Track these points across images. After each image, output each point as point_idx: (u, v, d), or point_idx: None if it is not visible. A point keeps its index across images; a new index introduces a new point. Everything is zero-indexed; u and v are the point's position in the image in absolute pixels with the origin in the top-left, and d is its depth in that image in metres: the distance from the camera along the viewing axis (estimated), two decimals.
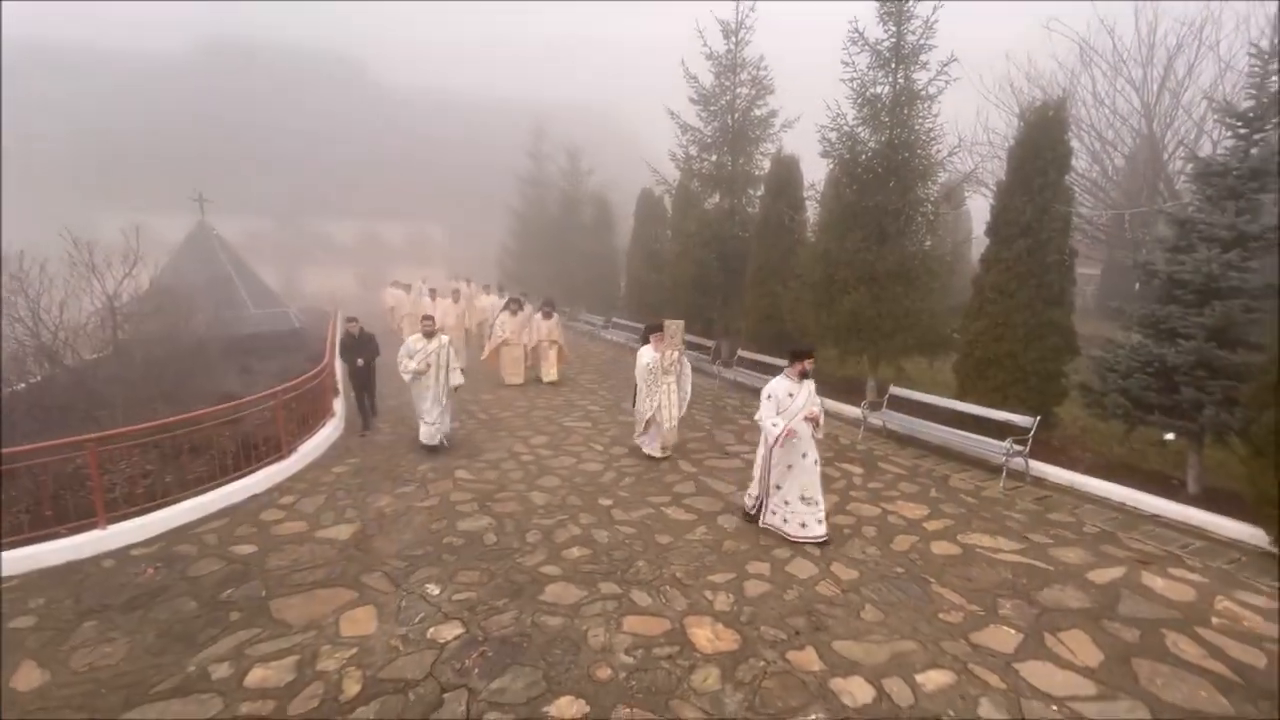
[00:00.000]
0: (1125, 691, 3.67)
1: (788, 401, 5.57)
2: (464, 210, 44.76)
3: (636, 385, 7.73)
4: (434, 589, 4.77)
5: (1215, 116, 7.76)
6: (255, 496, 6.54)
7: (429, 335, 8.00)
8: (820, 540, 5.46)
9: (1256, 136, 6.06)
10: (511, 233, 29.38)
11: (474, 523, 5.97)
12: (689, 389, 7.82)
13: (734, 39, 12.90)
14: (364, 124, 46.67)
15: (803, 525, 5.53)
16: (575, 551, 5.39)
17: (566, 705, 3.53)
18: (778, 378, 5.72)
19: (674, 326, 7.58)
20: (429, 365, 7.93)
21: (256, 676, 3.78)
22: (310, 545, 5.51)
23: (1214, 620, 4.43)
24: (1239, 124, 6.13)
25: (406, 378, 7.96)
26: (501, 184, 35.30)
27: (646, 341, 7.86)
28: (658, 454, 7.68)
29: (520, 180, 28.22)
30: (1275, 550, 5.33)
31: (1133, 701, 3.58)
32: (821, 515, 5.55)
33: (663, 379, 7.47)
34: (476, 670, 3.83)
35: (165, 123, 39.13)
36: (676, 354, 7.57)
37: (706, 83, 13.30)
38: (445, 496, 6.63)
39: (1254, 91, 6.07)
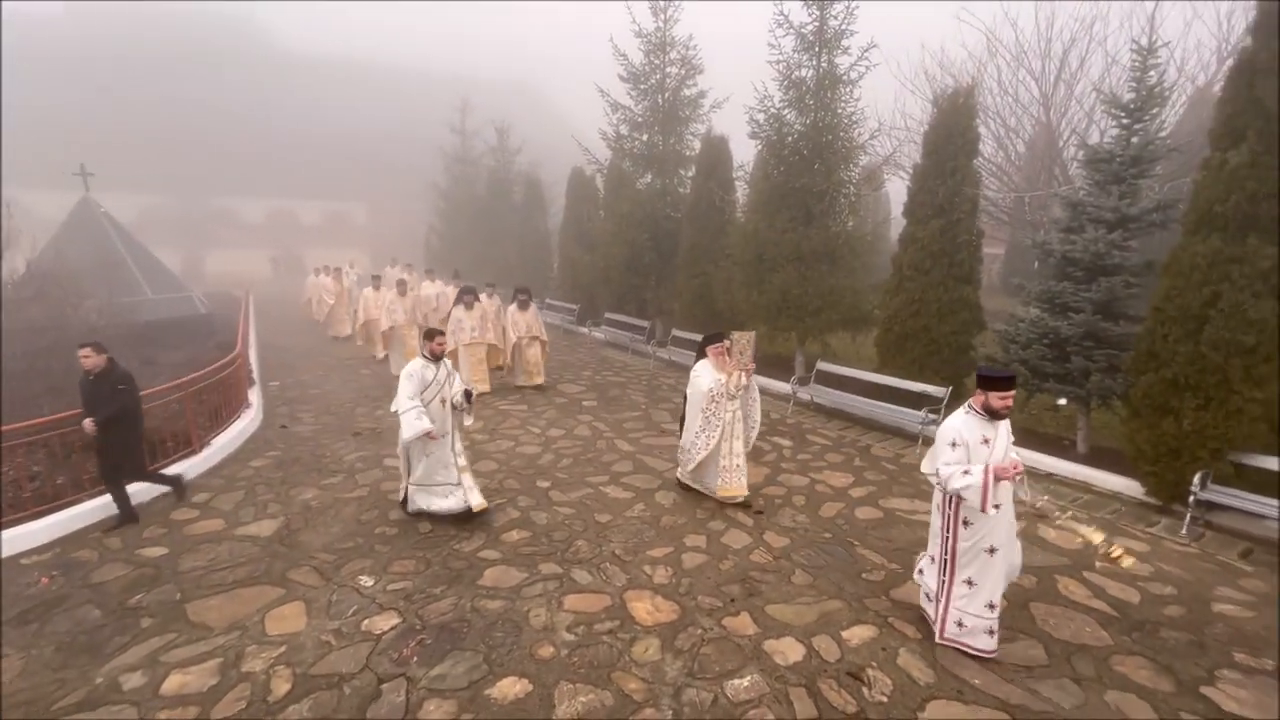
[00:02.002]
0: (1024, 632, 4.05)
1: (982, 452, 3.65)
2: (386, 188, 42.70)
3: (685, 412, 6.01)
4: (367, 580, 4.64)
5: (1103, 107, 8.42)
6: (164, 495, 6.10)
7: (438, 357, 5.57)
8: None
9: (1137, 126, 6.64)
10: (438, 212, 28.34)
11: None
12: (759, 415, 5.99)
13: (663, 17, 12.83)
14: (270, 95, 43.45)
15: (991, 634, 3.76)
16: (514, 534, 5.36)
17: (509, 686, 3.54)
18: (957, 416, 3.78)
19: (744, 339, 5.58)
20: (442, 403, 5.48)
21: (174, 683, 3.58)
22: (229, 544, 5.22)
23: (1098, 564, 4.94)
24: (1123, 115, 6.69)
25: (409, 434, 5.21)
26: (426, 161, 33.89)
27: (702, 355, 5.97)
28: (714, 493, 5.90)
29: (446, 157, 27.15)
30: (1150, 500, 5.99)
31: (1030, 640, 3.96)
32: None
33: (727, 405, 5.72)
34: (415, 659, 3.77)
35: (38, 90, 35.07)
36: (747, 376, 5.70)
37: (636, 61, 13.19)
38: (376, 486, 6.43)
39: (1135, 85, 6.63)
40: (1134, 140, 6.63)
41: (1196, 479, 5.35)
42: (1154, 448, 5.77)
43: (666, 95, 13.22)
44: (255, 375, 10.54)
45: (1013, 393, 3.73)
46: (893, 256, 8.76)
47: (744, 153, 12.52)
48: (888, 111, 15.78)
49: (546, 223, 21.23)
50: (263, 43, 48.41)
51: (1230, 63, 12.57)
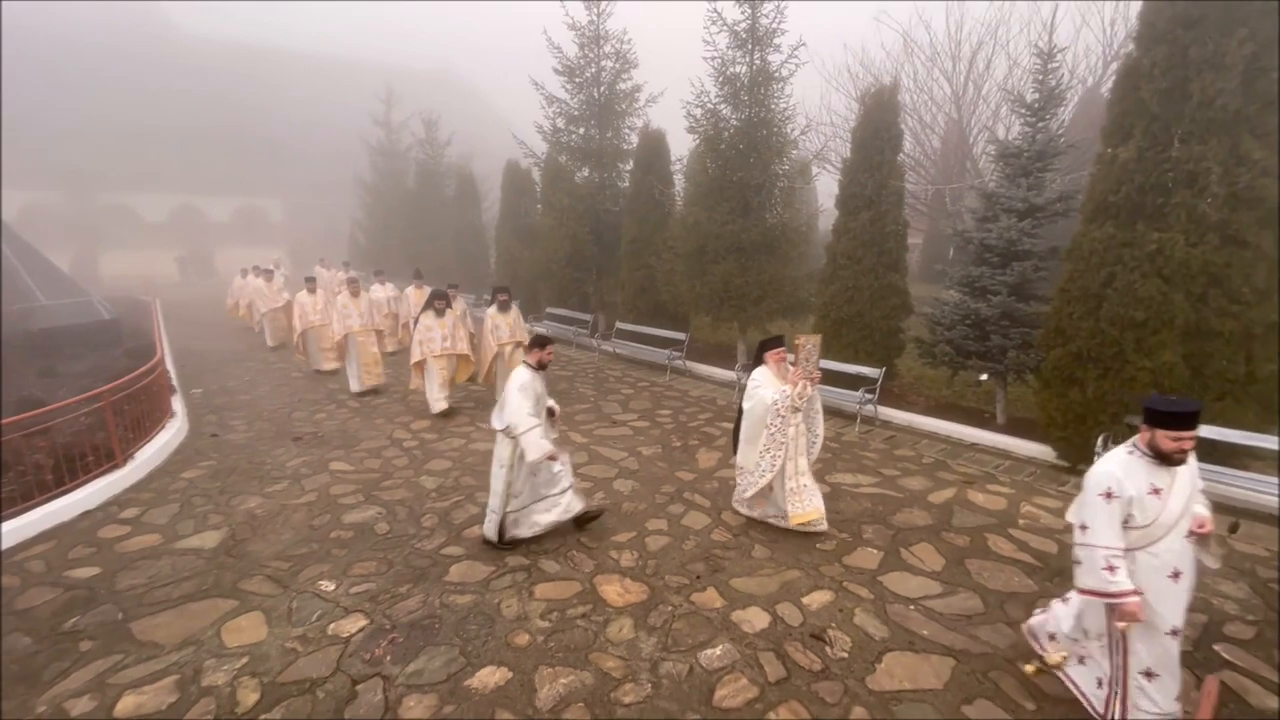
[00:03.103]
0: (962, 586, 4.44)
1: (1153, 506, 2.80)
2: (302, 183, 40.48)
3: (739, 430, 5.27)
4: (328, 585, 4.52)
5: (1011, 107, 9.15)
6: (88, 513, 5.69)
7: (544, 367, 5.07)
8: None
9: (1040, 124, 7.28)
10: (364, 207, 27.20)
11: (362, 514, 5.68)
12: (822, 427, 5.27)
13: (596, 10, 12.84)
14: (172, 86, 40.22)
15: None
16: (476, 530, 5.33)
17: (488, 675, 3.58)
18: (1115, 458, 2.92)
19: (810, 344, 4.91)
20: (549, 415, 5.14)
21: (129, 704, 3.40)
22: (170, 558, 4.94)
23: (1020, 522, 5.45)
24: (1027, 113, 7.32)
25: (535, 455, 4.71)
26: (347, 153, 32.40)
27: (759, 363, 5.28)
28: (784, 522, 5.17)
29: (371, 150, 26.08)
30: (1060, 463, 6.63)
31: (968, 592, 4.36)
32: None
33: (792, 420, 5.00)
34: (389, 658, 3.74)
35: None
36: (814, 386, 5.01)
37: (571, 54, 13.15)
38: (324, 490, 6.21)
39: (1038, 87, 7.26)
40: (1038, 137, 7.26)
41: (1099, 441, 5.98)
42: (1063, 415, 6.39)
43: (602, 89, 13.26)
44: (175, 383, 9.87)
45: (1193, 433, 2.74)
46: (827, 246, 9.21)
47: (681, 146, 12.75)
48: (814, 107, 16.45)
49: (481, 217, 20.82)
50: (163, 32, 44.68)
51: (1115, 65, 13.88)
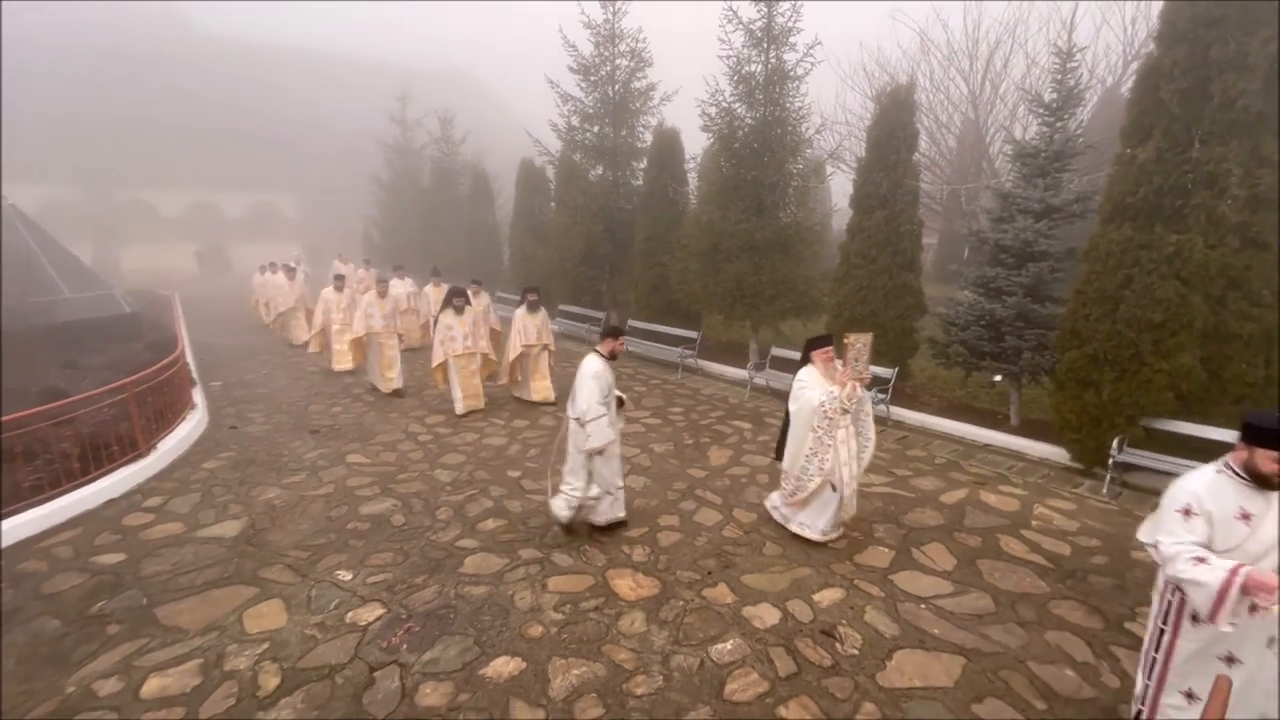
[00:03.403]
0: (973, 586, 4.45)
1: (1238, 531, 2.61)
2: (316, 180, 40.84)
3: (785, 432, 5.07)
4: (345, 574, 4.61)
5: (1026, 106, 9.08)
6: (113, 501, 5.83)
7: (615, 357, 5.16)
8: None
9: (1058, 124, 7.23)
10: (378, 204, 27.42)
11: (378, 505, 5.77)
12: (873, 430, 5.03)
13: (611, 9, 12.88)
14: (190, 84, 40.72)
15: None
16: (490, 523, 5.42)
17: (502, 665, 3.64)
18: (1201, 476, 2.73)
19: (861, 342, 4.72)
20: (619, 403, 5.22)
21: (154, 686, 3.50)
22: (193, 546, 5.05)
23: (1033, 523, 5.43)
24: (1045, 113, 7.27)
25: (599, 442, 4.84)
26: (360, 151, 32.63)
27: (806, 362, 5.08)
28: (824, 536, 4.96)
29: (387, 149, 26.29)
30: (1074, 465, 6.59)
31: (979, 592, 4.36)
32: None
33: (841, 422, 4.79)
34: (405, 646, 3.81)
35: None
36: (864, 386, 4.82)
37: (586, 52, 13.19)
38: (341, 482, 6.31)
39: (1056, 86, 7.21)
40: (1056, 137, 7.21)
41: (1115, 443, 5.95)
42: (1077, 417, 6.35)
43: (617, 87, 13.30)
44: (195, 375, 10.04)
45: None
46: (841, 246, 9.20)
47: (695, 145, 12.76)
48: (830, 106, 16.40)
49: (494, 214, 20.94)
50: (183, 29, 45.25)
51: (1135, 65, 13.73)
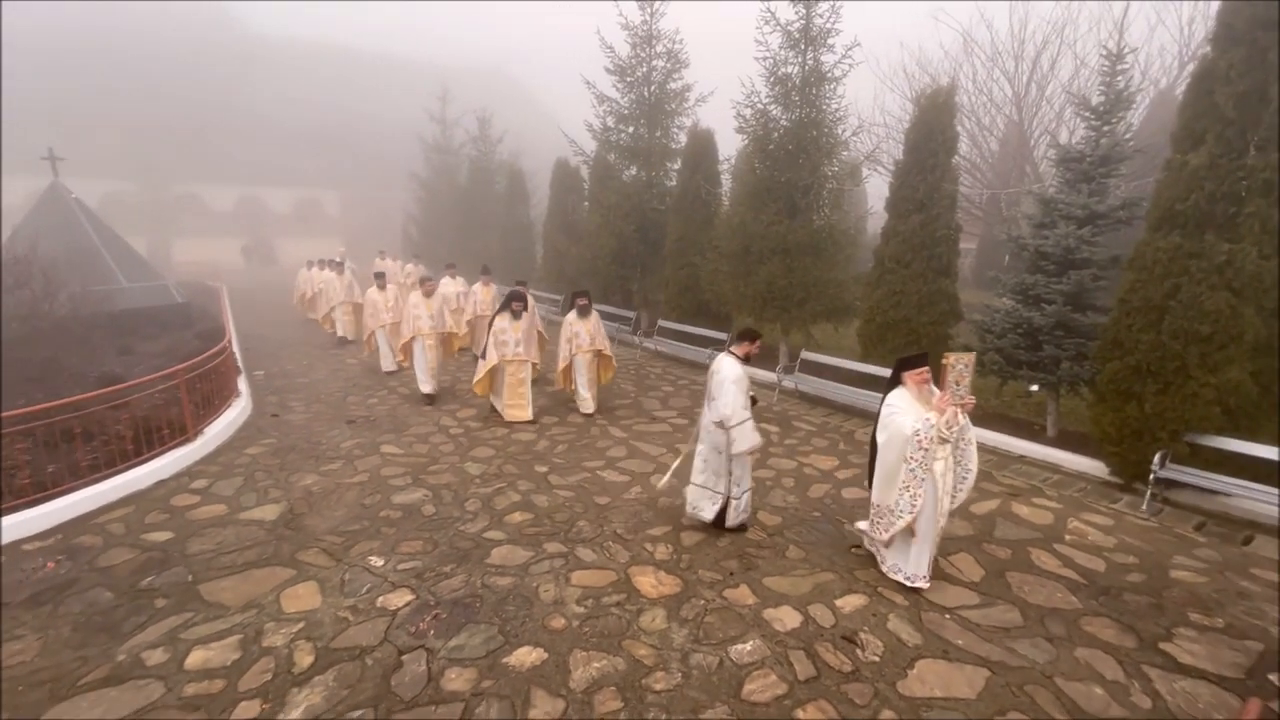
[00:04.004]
0: (1001, 598, 4.37)
1: None
2: (357, 176, 41.95)
3: (874, 463, 4.55)
4: (377, 560, 4.77)
5: (1072, 109, 8.82)
6: (162, 482, 6.13)
7: (748, 359, 5.05)
8: None
9: (1105, 128, 7.02)
10: (417, 201, 28.03)
11: (409, 495, 5.94)
12: (975, 461, 4.50)
13: (649, 10, 12.94)
14: (240, 82, 42.26)
15: None
16: (517, 516, 5.53)
17: (525, 654, 3.73)
18: None
19: (962, 363, 4.23)
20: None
21: (197, 659, 3.68)
22: (235, 528, 5.29)
23: (1066, 537, 5.30)
24: (1092, 117, 7.06)
25: (746, 446, 4.87)
26: (398, 148, 33.36)
27: (896, 383, 4.53)
28: (914, 583, 4.41)
29: (426, 147, 26.85)
30: (1113, 479, 6.40)
31: (1007, 605, 4.28)
32: None
33: (938, 451, 4.25)
34: (432, 632, 3.93)
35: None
36: (966, 412, 4.31)
37: (623, 53, 13.28)
38: (375, 472, 6.52)
39: (1104, 89, 7.00)
40: (1103, 141, 7.00)
41: (1156, 459, 5.75)
42: (1118, 430, 6.16)
43: (652, 88, 13.35)
44: (240, 364, 10.45)
45: None
46: (875, 250, 9.07)
47: (728, 146, 12.74)
48: (867, 108, 16.16)
49: (529, 213, 21.22)
50: (233, 30, 46.98)
51: (1191, 67, 13.20)
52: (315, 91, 45.35)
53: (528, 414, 8.08)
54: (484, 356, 8.14)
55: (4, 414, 5.43)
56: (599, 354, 8.48)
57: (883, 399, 4.53)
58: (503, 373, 8.12)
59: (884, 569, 4.60)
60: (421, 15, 60.05)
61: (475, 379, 8.20)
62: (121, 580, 4.50)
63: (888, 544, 4.52)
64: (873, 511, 4.62)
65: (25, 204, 14.98)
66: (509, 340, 8.08)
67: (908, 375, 4.49)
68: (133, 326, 12.73)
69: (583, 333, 8.36)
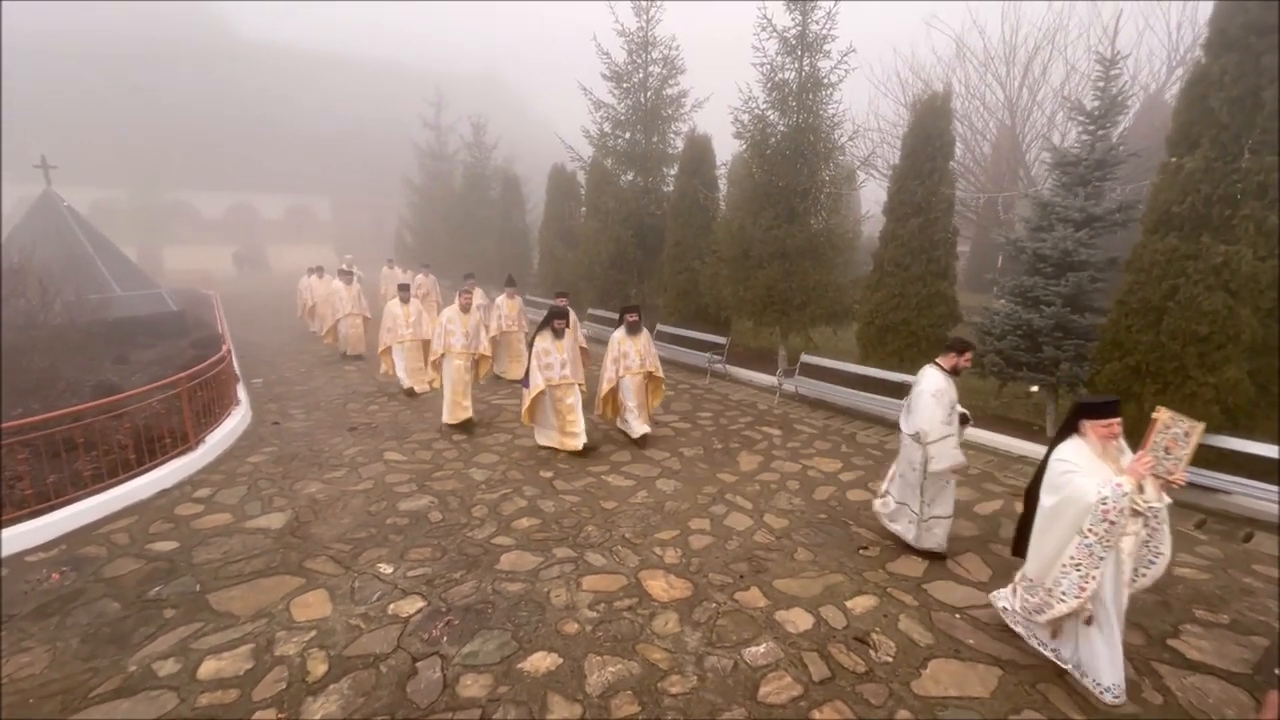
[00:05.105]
0: None
1: None
2: (349, 182, 41.89)
3: (1028, 523, 3.73)
4: (386, 568, 4.75)
5: (1068, 113, 8.95)
6: (165, 491, 6.09)
7: (958, 372, 4.66)
8: None
9: (1100, 132, 7.12)
10: (411, 207, 28.02)
11: (415, 502, 5.92)
12: (1168, 545, 3.55)
13: (645, 16, 13.01)
14: (230, 88, 42.11)
15: None
16: (525, 522, 5.52)
17: (540, 660, 3.73)
18: None
19: (1183, 429, 3.42)
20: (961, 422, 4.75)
21: (210, 669, 3.66)
22: (241, 537, 5.26)
23: None
24: (1088, 121, 7.17)
25: (944, 465, 4.52)
26: (391, 154, 33.33)
27: (1071, 432, 3.59)
28: (1108, 696, 3.37)
29: (420, 153, 26.86)
30: None
31: None
32: None
33: (1128, 526, 3.30)
34: (445, 638, 3.92)
35: None
36: (1179, 483, 3.41)
37: (619, 59, 13.35)
38: (380, 479, 6.49)
39: (1099, 93, 7.11)
40: (1098, 145, 7.10)
41: None
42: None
43: (649, 94, 13.42)
44: (238, 372, 10.39)
45: None
46: (873, 253, 9.15)
47: (725, 151, 12.82)
48: (861, 113, 16.30)
49: (525, 218, 21.25)
50: (223, 35, 46.87)
51: (1180, 71, 13.41)
52: (306, 97, 45.32)
53: (580, 442, 7.07)
54: (527, 383, 7.13)
55: (4, 425, 5.39)
56: (649, 375, 7.63)
57: (1049, 451, 3.58)
58: (548, 399, 7.21)
59: (1047, 654, 3.67)
60: (412, 20, 60.08)
61: (524, 408, 7.18)
62: (128, 591, 4.46)
63: (1054, 632, 3.63)
64: (1021, 584, 3.76)
65: (15, 213, 14.83)
66: (553, 362, 7.16)
67: (1091, 426, 3.50)
68: (128, 335, 12.62)
69: (632, 352, 7.46)
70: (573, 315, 7.72)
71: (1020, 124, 14.94)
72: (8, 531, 5.00)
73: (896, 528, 5.05)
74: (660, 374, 7.71)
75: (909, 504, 4.90)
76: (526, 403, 7.09)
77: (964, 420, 4.71)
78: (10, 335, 8.48)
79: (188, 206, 37.61)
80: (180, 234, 35.93)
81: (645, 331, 7.65)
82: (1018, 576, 3.86)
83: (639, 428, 7.48)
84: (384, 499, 5.99)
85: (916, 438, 4.59)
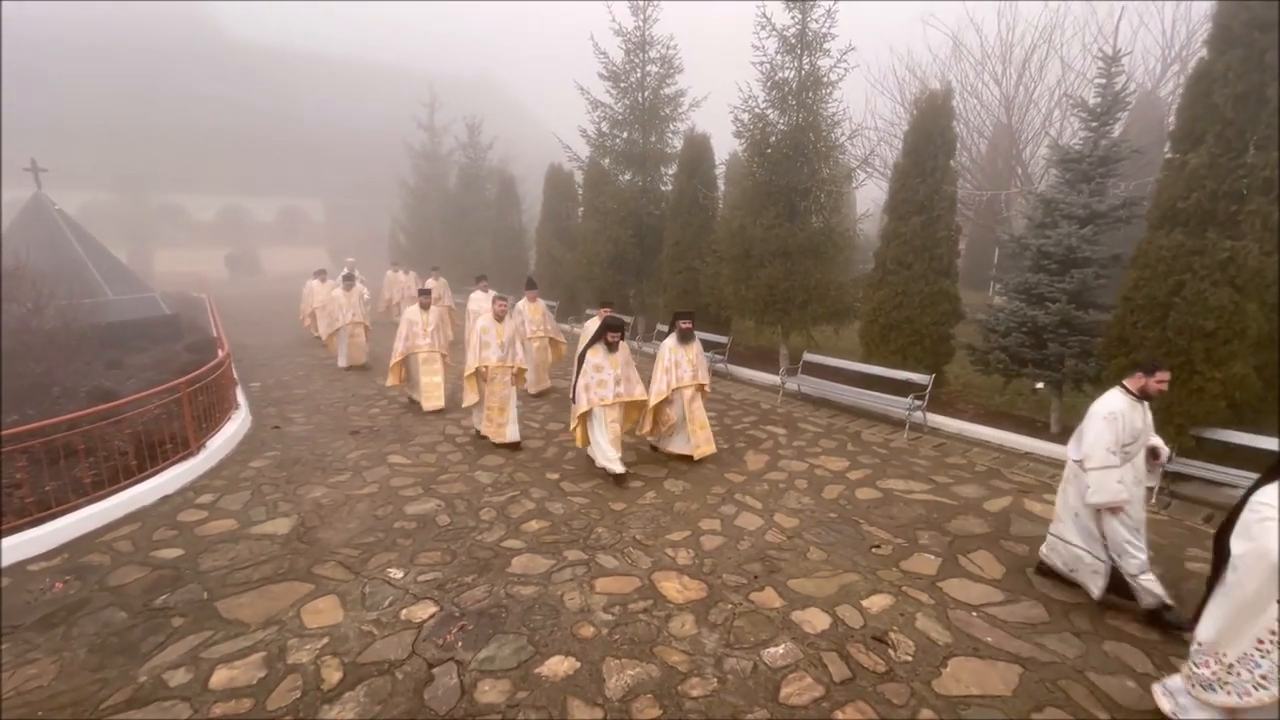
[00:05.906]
0: (1025, 594, 4.40)
1: None
2: (342, 184, 41.59)
3: (1214, 579, 3.01)
4: (396, 573, 4.69)
5: (1071, 111, 8.97)
6: (167, 498, 6.00)
7: (1149, 396, 4.13)
8: None
9: (1103, 129, 7.14)
10: (406, 208, 27.85)
11: (422, 505, 5.87)
12: None
13: (642, 16, 12.97)
14: (220, 90, 41.71)
15: None
16: (534, 524, 5.48)
17: (557, 664, 3.69)
18: None
19: None
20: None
21: (222, 678, 3.59)
22: (247, 543, 5.18)
23: None
24: (1090, 119, 7.18)
25: (1100, 498, 3.95)
26: (385, 156, 33.14)
27: (1275, 476, 2.82)
28: None
29: (414, 154, 26.70)
30: None
31: (1031, 601, 4.32)
32: None
33: None
34: (460, 644, 3.87)
35: None
36: None
37: (617, 59, 13.30)
38: (385, 482, 6.43)
39: (1101, 91, 7.12)
40: (1101, 142, 7.12)
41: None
42: None
43: (647, 94, 13.38)
44: (236, 376, 10.28)
45: None
46: (876, 252, 9.15)
47: (724, 150, 12.78)
48: (859, 111, 16.30)
49: (520, 219, 21.16)
50: (213, 36, 46.42)
51: (1175, 68, 13.49)
52: (298, 98, 44.95)
53: (620, 467, 6.36)
54: (575, 399, 6.49)
55: (3, 432, 5.29)
56: (701, 388, 6.93)
57: (1247, 492, 2.92)
58: (599, 418, 6.44)
59: None
60: (405, 20, 59.76)
61: (572, 426, 6.63)
62: (134, 599, 4.39)
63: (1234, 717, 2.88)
64: (1198, 653, 3.01)
65: (4, 216, 14.63)
66: (608, 379, 6.39)
67: None
68: (121, 339, 12.46)
69: (684, 362, 6.74)
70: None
71: (1017, 122, 15.00)
72: (8, 540, 4.91)
73: (1084, 583, 4.29)
74: (709, 389, 7.13)
75: (1096, 553, 4.18)
76: (574, 421, 6.53)
77: (1153, 454, 4.08)
78: (5, 340, 8.35)
79: (179, 209, 37.24)
80: (171, 237, 35.57)
81: (698, 340, 7.03)
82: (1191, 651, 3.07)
83: (700, 448, 6.78)
84: (390, 503, 5.93)
85: (1082, 464, 4.07)
